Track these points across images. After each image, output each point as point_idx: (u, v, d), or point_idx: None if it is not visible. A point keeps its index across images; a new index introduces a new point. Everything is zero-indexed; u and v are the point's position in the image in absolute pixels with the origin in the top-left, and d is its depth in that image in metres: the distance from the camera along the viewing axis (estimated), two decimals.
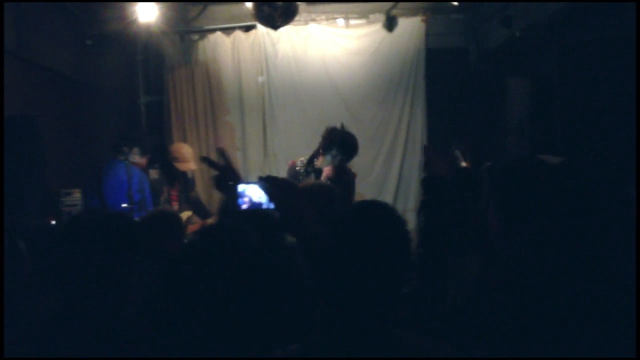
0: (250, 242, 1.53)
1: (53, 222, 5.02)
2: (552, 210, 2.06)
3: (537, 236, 1.88)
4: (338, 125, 5.59)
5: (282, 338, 1.56)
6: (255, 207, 2.13)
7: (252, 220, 3.24)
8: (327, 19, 7.83)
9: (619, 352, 1.68)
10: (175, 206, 6.19)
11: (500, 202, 2.29)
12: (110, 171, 5.64)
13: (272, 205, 1.96)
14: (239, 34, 7.81)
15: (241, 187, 2.13)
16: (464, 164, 6.45)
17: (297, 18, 6.93)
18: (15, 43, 5.51)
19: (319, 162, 5.39)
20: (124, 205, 5.33)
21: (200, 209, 6.40)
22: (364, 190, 7.17)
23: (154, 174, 6.24)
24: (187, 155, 6.43)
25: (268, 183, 1.88)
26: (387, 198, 7.73)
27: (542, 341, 1.70)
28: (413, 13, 7.78)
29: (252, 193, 2.13)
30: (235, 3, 7.40)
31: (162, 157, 6.39)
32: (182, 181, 6.43)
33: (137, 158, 5.78)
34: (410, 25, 7.78)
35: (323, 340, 1.65)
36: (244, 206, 2.12)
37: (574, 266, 1.74)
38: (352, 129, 7.64)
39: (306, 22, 7.77)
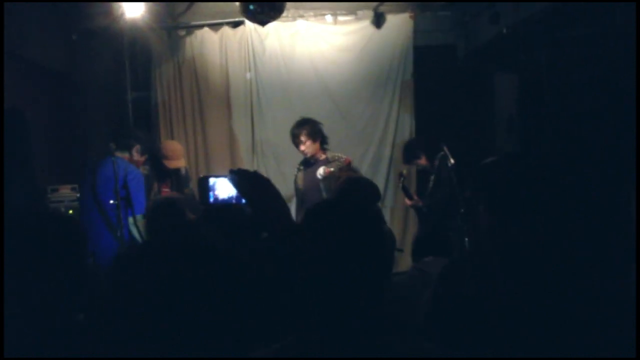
0: (211, 243, 1.50)
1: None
2: (545, 207, 2.05)
3: (530, 233, 1.87)
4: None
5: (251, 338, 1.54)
6: (224, 202, 2.07)
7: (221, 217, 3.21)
8: (315, 16, 7.81)
9: (619, 352, 1.67)
10: None
11: (492, 200, 2.27)
12: (102, 167, 5.60)
13: (243, 200, 1.91)
14: (226, 29, 7.77)
15: (212, 181, 2.07)
16: (452, 161, 6.46)
17: (284, 14, 6.91)
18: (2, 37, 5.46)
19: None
20: (112, 201, 5.29)
21: (194, 205, 6.35)
22: None
23: (143, 170, 6.20)
24: (177, 153, 6.38)
25: (238, 176, 1.84)
26: None
27: (538, 340, 1.69)
28: (401, 10, 7.78)
29: (223, 186, 2.06)
30: None
31: (151, 154, 6.35)
32: (175, 178, 6.39)
33: (136, 156, 5.74)
34: (399, 22, 7.77)
35: (304, 338, 1.63)
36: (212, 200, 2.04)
37: (569, 263, 1.73)
38: (341, 125, 7.75)
39: (294, 19, 7.75)
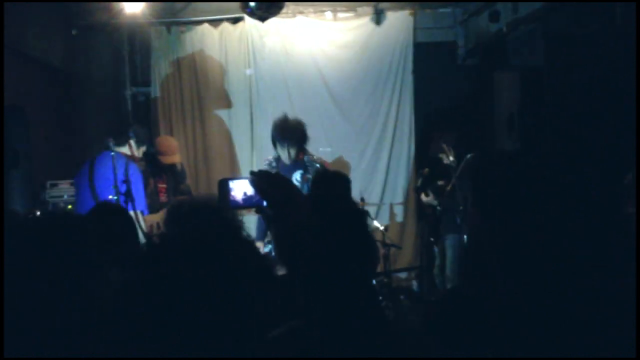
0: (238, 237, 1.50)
1: (38, 213, 4.98)
2: (540, 206, 2.05)
3: (527, 233, 1.87)
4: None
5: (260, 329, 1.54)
6: (245, 204, 2.07)
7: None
8: (315, 12, 7.80)
9: (619, 352, 1.67)
10: (163, 198, 6.14)
11: (479, 197, 2.28)
12: (100, 163, 5.58)
13: (264, 202, 1.91)
14: (226, 25, 7.77)
15: (231, 183, 2.07)
16: (451, 158, 6.45)
17: (284, 11, 6.91)
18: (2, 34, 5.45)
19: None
20: (111, 196, 5.28)
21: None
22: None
23: (140, 165, 6.18)
24: (172, 148, 6.36)
25: (258, 178, 1.84)
26: (375, 191, 7.75)
27: (538, 340, 1.69)
28: (401, 6, 7.77)
29: (243, 188, 2.06)
30: None
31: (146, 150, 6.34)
32: (171, 173, 6.37)
33: (132, 149, 5.71)
34: (399, 19, 7.77)
35: (306, 325, 1.64)
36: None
37: (568, 263, 1.73)
38: (340, 122, 7.74)
39: (294, 15, 7.74)
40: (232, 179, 2.01)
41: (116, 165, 5.25)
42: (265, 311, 1.43)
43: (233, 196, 1.98)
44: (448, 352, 1.70)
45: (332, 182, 4.15)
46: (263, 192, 1.81)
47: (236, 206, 2.00)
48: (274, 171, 5.40)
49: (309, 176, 5.37)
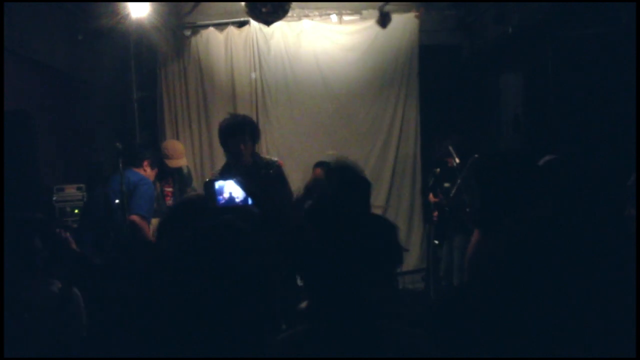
0: (243, 241, 1.51)
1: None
2: (533, 203, 2.05)
3: (518, 230, 1.87)
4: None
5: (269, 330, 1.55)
6: (232, 203, 2.08)
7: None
8: (320, 15, 7.82)
9: (619, 352, 1.67)
10: (169, 202, 6.15)
11: (482, 196, 2.28)
12: (114, 180, 5.58)
13: (249, 202, 1.92)
14: (231, 29, 7.78)
15: (217, 184, 2.08)
16: (457, 160, 6.44)
17: (289, 14, 6.93)
18: (8, 37, 5.47)
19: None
20: (117, 201, 5.30)
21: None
22: None
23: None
24: (178, 152, 6.37)
25: (245, 178, 1.85)
26: (381, 195, 7.73)
27: (537, 340, 1.69)
28: (406, 9, 7.78)
29: (229, 189, 2.08)
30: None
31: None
32: (177, 177, 6.37)
33: (148, 170, 5.68)
34: (404, 22, 7.77)
35: (310, 328, 1.64)
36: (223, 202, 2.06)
37: (569, 262, 1.73)
38: (345, 125, 7.74)
39: (299, 18, 7.76)
40: (218, 179, 2.04)
41: (125, 175, 5.27)
42: (268, 314, 1.44)
43: (221, 197, 2.00)
44: (451, 352, 1.70)
45: (354, 184, 4.12)
46: (251, 193, 1.82)
47: (223, 206, 2.03)
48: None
49: (271, 171, 4.71)
